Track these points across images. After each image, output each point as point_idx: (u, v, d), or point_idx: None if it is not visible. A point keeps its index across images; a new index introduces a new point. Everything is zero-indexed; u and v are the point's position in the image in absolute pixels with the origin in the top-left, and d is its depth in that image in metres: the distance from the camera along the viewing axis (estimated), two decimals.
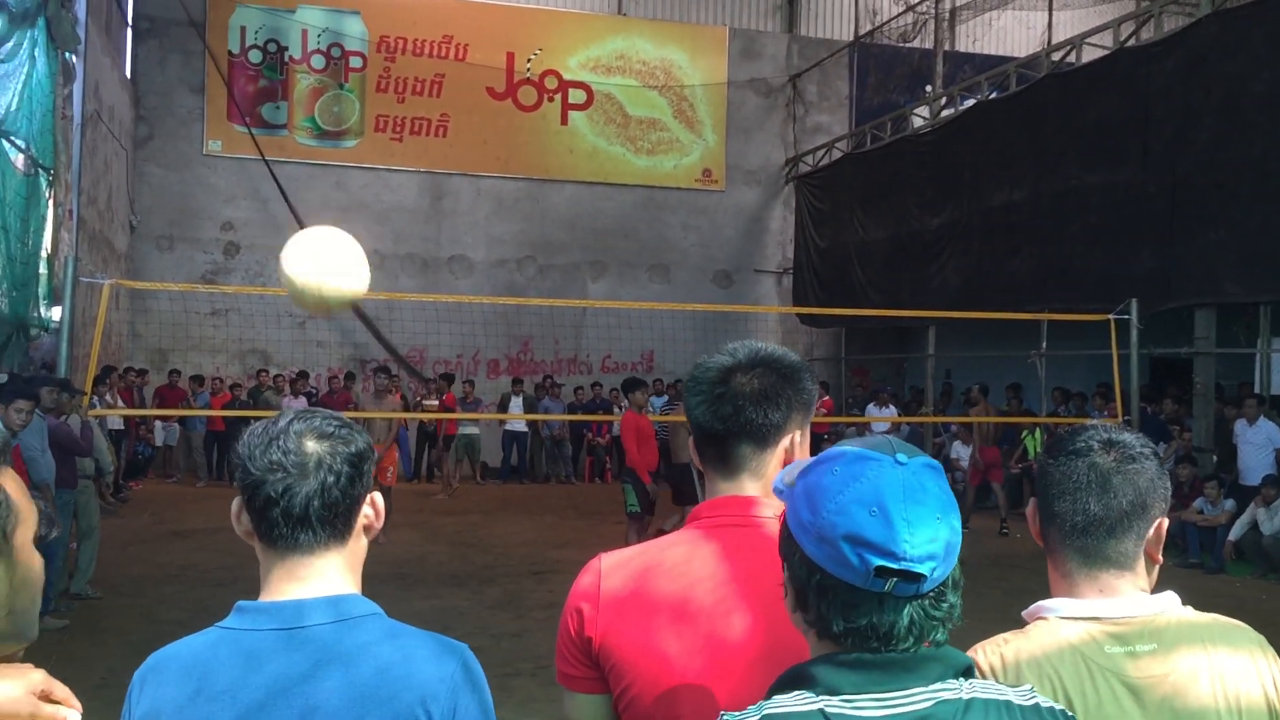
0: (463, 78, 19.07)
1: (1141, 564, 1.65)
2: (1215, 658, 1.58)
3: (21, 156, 11.47)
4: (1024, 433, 14.24)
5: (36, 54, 11.35)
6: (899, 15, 19.03)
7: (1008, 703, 1.23)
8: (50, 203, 12.48)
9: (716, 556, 1.65)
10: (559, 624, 1.72)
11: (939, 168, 15.81)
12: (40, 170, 11.95)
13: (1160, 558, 1.68)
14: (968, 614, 1.30)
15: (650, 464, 9.71)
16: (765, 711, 1.22)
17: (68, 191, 12.92)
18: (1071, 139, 13.14)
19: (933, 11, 17.41)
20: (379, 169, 18.86)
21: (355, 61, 18.80)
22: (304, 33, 18.55)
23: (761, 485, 1.70)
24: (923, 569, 1.18)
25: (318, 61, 18.65)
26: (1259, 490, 10.49)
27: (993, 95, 15.20)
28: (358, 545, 1.61)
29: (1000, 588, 8.32)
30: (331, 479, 1.52)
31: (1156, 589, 1.67)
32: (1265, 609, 8.71)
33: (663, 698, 1.59)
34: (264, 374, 16.85)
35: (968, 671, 1.26)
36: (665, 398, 17.92)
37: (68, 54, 12.60)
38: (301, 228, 15.75)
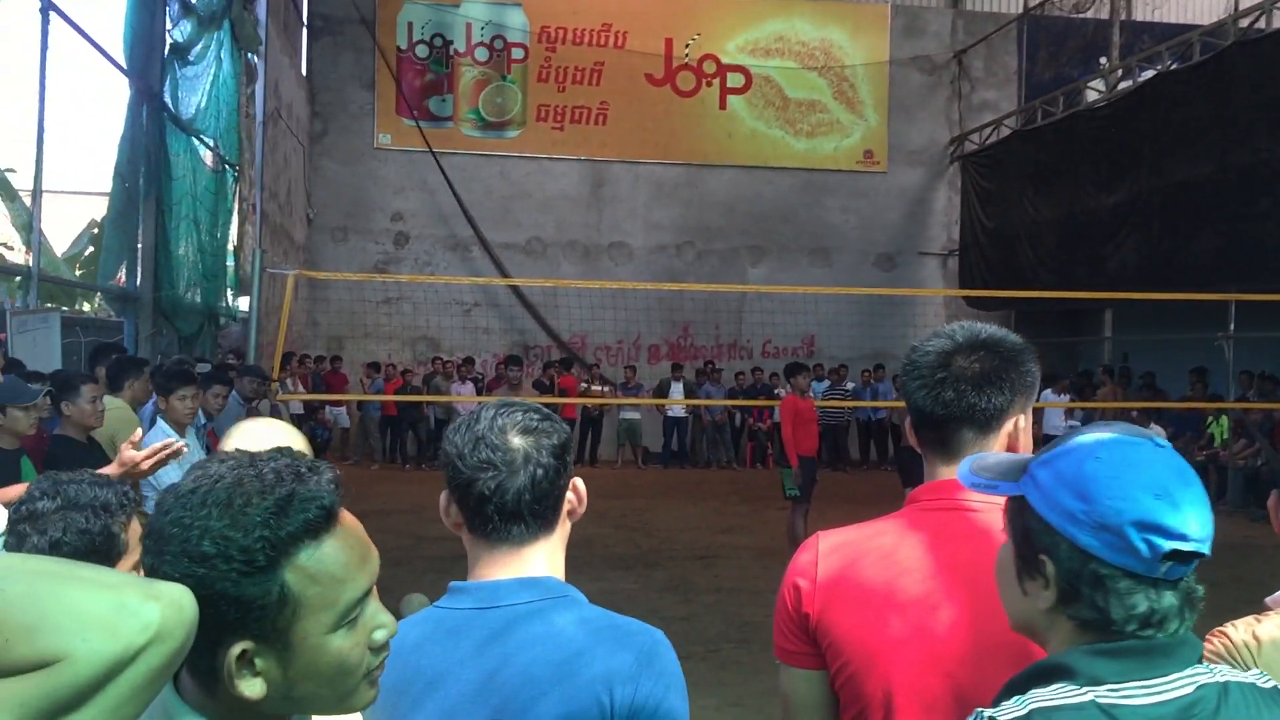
0: (622, 65, 19.20)
1: None
2: None
3: (210, 154, 12.09)
4: (1209, 419, 13.56)
5: (223, 55, 11.93)
6: None
7: (1254, 685, 1.23)
8: (235, 197, 13.13)
9: (923, 546, 1.64)
10: (776, 599, 1.73)
11: (1115, 143, 15.12)
12: (227, 166, 12.57)
13: None
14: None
15: (807, 448, 9.59)
16: (1033, 706, 1.20)
17: (252, 187, 13.57)
18: (1261, 110, 12.37)
19: None
20: (541, 158, 19.16)
21: (517, 53, 19.14)
22: (468, 26, 18.98)
23: None
24: (1207, 549, 1.19)
25: (481, 54, 19.05)
26: None
27: (1174, 65, 14.45)
28: (563, 530, 1.66)
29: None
30: (540, 472, 1.57)
31: None
32: None
33: (877, 680, 1.59)
34: (438, 361, 17.37)
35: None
36: (828, 382, 17.74)
37: (250, 55, 13.21)
38: (467, 217, 16.06)
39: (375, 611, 1.19)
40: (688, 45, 19.51)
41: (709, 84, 19.66)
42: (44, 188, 8.59)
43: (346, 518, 1.19)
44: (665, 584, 8.86)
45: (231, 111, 12.44)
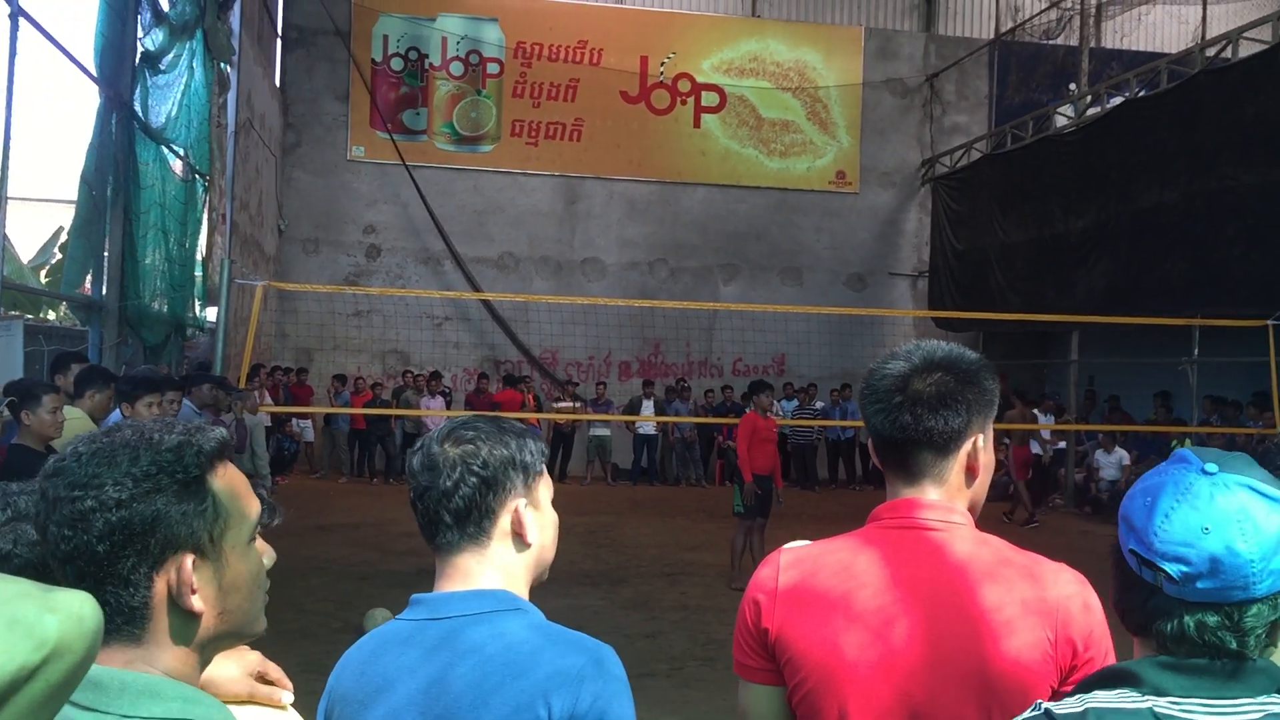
0: (597, 82, 19.25)
1: None
2: None
3: (180, 163, 12.00)
4: (1173, 442, 13.69)
5: (195, 65, 11.85)
6: (1043, 12, 18.47)
7: None
8: (205, 207, 13.03)
9: (881, 562, 1.66)
10: (736, 615, 1.74)
11: (1084, 168, 15.29)
12: (197, 176, 12.48)
13: None
14: None
15: (761, 466, 9.57)
16: (1090, 705, 1.22)
17: (222, 197, 13.47)
18: (1227, 138, 12.56)
19: (1078, 7, 16.83)
20: (514, 173, 19.16)
21: (492, 68, 19.15)
22: (444, 40, 18.98)
23: (944, 490, 1.70)
24: (1168, 567, 1.19)
25: (456, 68, 19.05)
26: None
27: (1142, 93, 14.64)
28: (510, 549, 1.63)
29: None
30: (462, 481, 1.59)
31: None
32: None
33: (833, 694, 1.60)
34: (408, 374, 17.30)
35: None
36: (795, 401, 17.78)
37: (223, 64, 13.14)
38: (440, 231, 16.03)
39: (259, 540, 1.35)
40: (663, 63, 19.60)
41: (683, 102, 19.75)
42: (9, 195, 8.49)
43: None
44: (631, 601, 8.84)
45: (203, 121, 12.35)
